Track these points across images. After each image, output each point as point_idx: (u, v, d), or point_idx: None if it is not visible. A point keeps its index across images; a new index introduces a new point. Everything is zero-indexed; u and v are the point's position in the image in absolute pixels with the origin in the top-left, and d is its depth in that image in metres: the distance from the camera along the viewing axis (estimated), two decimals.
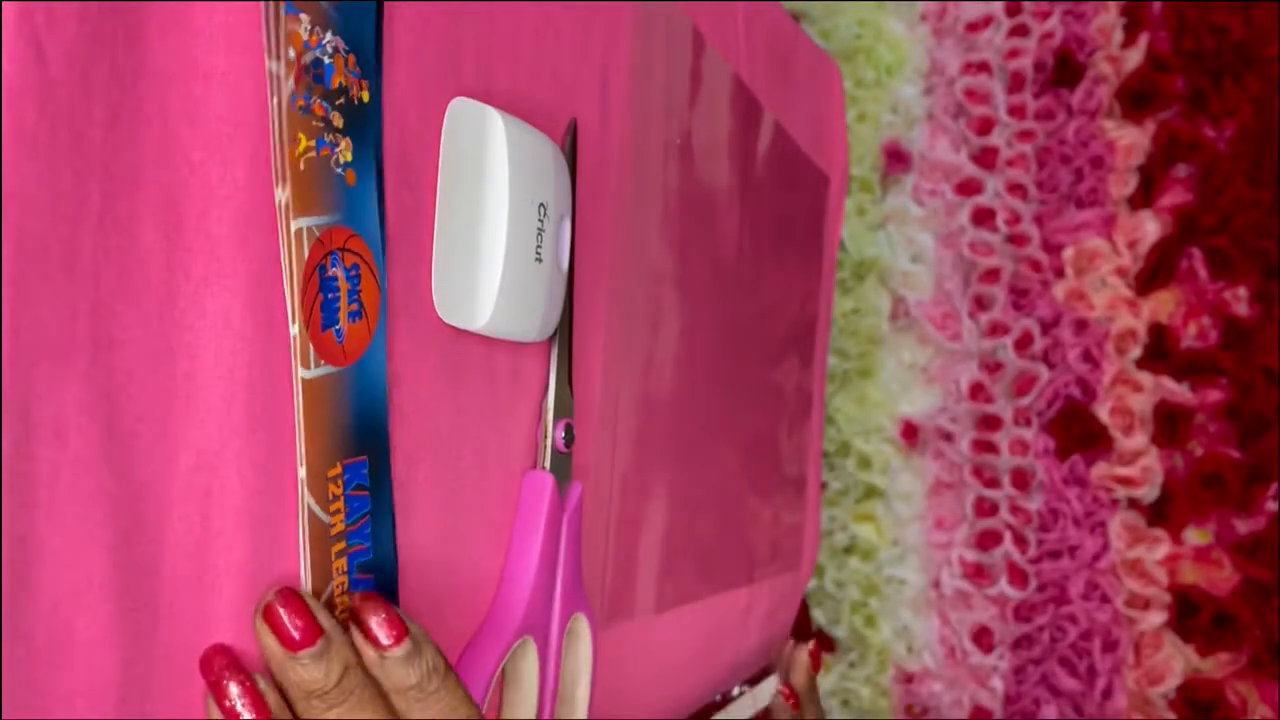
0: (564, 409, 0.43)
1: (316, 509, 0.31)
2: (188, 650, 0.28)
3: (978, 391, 1.19)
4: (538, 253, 0.38)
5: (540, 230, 0.38)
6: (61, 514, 0.24)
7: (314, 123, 0.30)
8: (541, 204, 0.38)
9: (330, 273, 0.31)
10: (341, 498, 0.32)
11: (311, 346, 0.30)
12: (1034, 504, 1.17)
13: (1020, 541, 1.17)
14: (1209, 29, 1.15)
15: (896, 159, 1.23)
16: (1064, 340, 1.17)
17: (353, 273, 0.32)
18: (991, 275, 1.20)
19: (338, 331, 0.31)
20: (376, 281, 0.33)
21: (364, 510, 0.33)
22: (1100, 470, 1.15)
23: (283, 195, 0.29)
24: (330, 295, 0.31)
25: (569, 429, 0.43)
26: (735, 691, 0.82)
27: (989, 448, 1.18)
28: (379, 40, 0.32)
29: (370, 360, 0.33)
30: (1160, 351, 1.14)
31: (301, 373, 0.30)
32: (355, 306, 0.32)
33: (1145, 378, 1.14)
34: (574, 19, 0.43)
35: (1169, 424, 1.13)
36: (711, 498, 0.64)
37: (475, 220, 0.36)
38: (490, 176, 0.36)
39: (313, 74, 0.30)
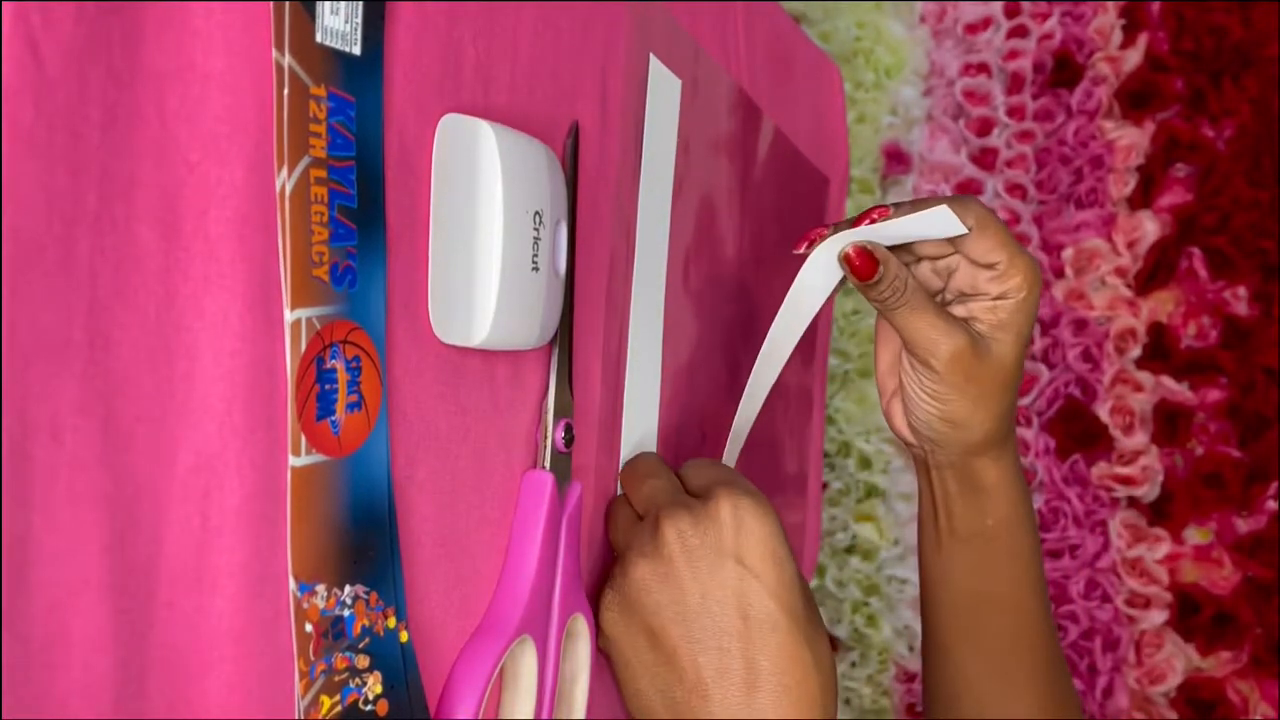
0: (564, 409, 0.43)
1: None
2: (184, 651, 0.28)
3: None
4: (534, 261, 0.38)
5: (536, 239, 0.38)
6: (58, 514, 0.24)
7: (336, 679, 0.31)
8: (537, 212, 0.38)
9: (329, 365, 0.31)
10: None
11: (303, 436, 0.30)
12: (1035, 503, 1.16)
13: None
14: (1208, 29, 1.15)
15: (896, 160, 1.23)
16: (1064, 340, 1.17)
17: (353, 364, 0.32)
18: None
19: (333, 423, 0.31)
20: (379, 374, 0.33)
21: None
22: (1100, 469, 1.15)
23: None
24: (328, 387, 0.31)
25: (569, 429, 0.43)
26: None
27: None
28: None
29: (370, 451, 0.32)
30: (1160, 351, 1.14)
31: (291, 460, 0.30)
32: (354, 398, 0.32)
33: (1145, 377, 1.14)
34: (573, 21, 0.44)
35: (1169, 423, 1.13)
36: None
37: (470, 237, 0.36)
38: (484, 190, 0.36)
39: (333, 633, 0.31)
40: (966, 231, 0.46)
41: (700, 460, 0.50)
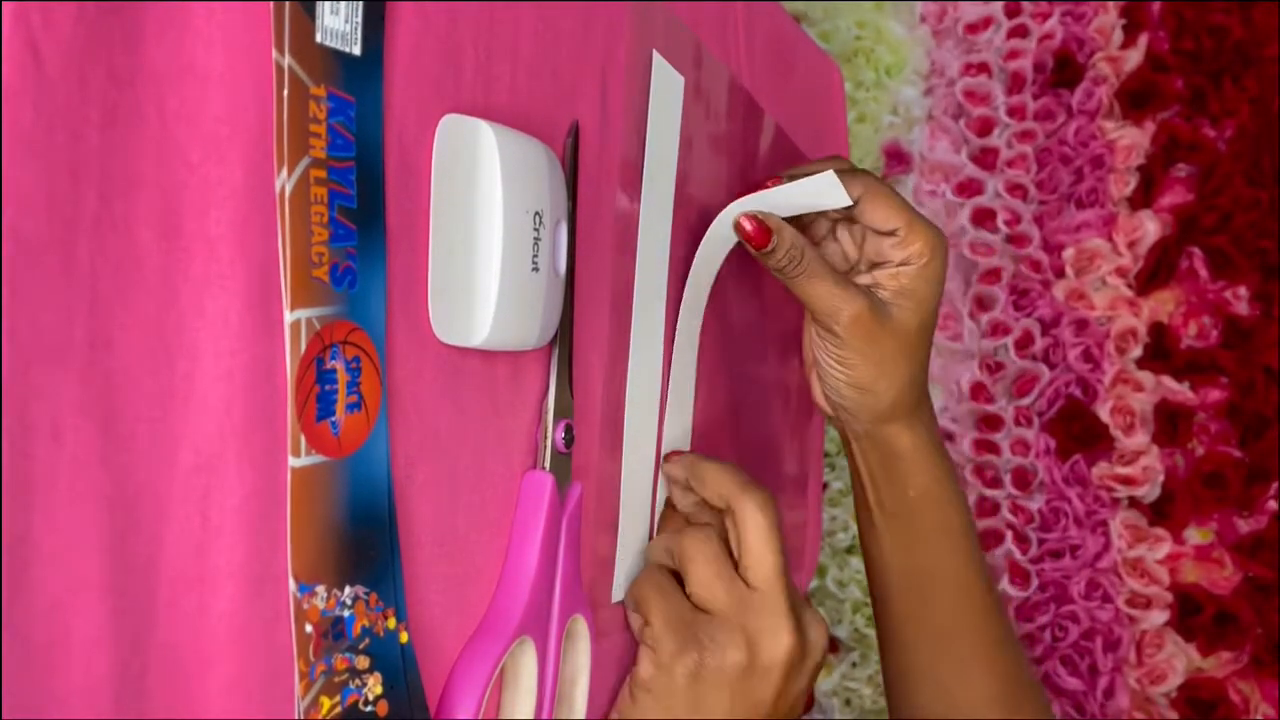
0: (564, 410, 0.43)
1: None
2: (184, 651, 0.28)
3: (979, 392, 1.19)
4: (534, 262, 0.38)
5: (536, 239, 0.38)
6: (59, 514, 0.24)
7: (336, 679, 0.31)
8: (537, 213, 0.38)
9: (329, 365, 0.31)
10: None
11: (303, 436, 0.30)
12: (1035, 503, 1.16)
13: (1021, 541, 1.17)
14: (1208, 29, 1.15)
15: (897, 160, 1.23)
16: (1064, 340, 1.17)
17: (353, 365, 0.32)
18: (992, 275, 1.20)
19: (333, 423, 0.31)
20: (379, 375, 0.33)
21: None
22: (1101, 470, 1.15)
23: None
24: (328, 387, 0.31)
25: (569, 429, 0.43)
26: None
27: (990, 448, 1.18)
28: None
29: (370, 452, 0.32)
30: (1161, 351, 1.14)
31: (291, 461, 0.30)
32: (354, 399, 0.32)
33: (1146, 377, 1.14)
34: (573, 21, 0.44)
35: (1170, 423, 1.13)
36: None
37: (470, 238, 0.36)
38: (484, 191, 0.36)
39: (333, 634, 0.31)
40: (851, 202, 0.48)
41: (761, 515, 0.49)
